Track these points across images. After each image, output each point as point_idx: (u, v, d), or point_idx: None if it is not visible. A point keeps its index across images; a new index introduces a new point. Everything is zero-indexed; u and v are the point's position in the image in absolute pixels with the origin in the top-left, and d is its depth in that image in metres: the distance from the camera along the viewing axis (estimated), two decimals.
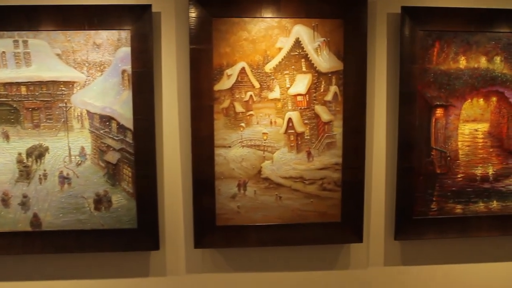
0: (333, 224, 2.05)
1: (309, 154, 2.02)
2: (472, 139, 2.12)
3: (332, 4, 1.96)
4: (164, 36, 1.94)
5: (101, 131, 1.93)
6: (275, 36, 1.95)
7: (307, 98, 1.99)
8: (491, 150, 2.14)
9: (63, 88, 1.90)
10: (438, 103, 2.07)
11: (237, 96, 1.96)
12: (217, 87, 1.95)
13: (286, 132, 1.99)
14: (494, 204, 2.16)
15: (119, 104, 1.92)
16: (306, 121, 2.00)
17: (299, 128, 2.00)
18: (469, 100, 2.09)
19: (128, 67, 1.90)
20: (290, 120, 1.99)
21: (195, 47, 1.90)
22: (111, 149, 1.94)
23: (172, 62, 1.96)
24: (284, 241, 2.03)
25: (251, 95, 1.96)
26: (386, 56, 2.05)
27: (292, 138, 2.00)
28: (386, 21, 2.04)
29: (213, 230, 2.00)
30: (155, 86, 1.94)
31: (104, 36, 1.89)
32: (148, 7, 1.87)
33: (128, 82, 1.91)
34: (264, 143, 1.99)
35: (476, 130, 2.12)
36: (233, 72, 1.94)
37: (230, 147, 1.98)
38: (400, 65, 2.01)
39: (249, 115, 1.97)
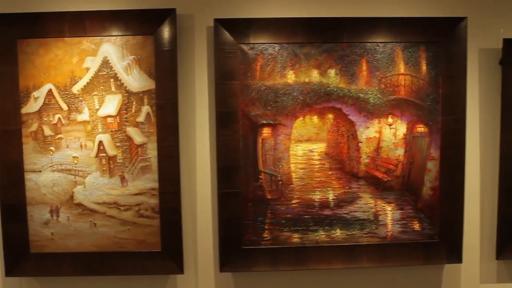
0: (153, 254, 1.91)
1: (122, 178, 1.90)
2: (307, 161, 1.92)
3: (140, 20, 1.85)
4: None
5: None
6: (82, 56, 1.87)
7: (118, 119, 1.89)
8: (330, 173, 1.93)
9: None
10: (264, 122, 1.89)
11: (45, 119, 1.89)
12: (24, 110, 1.89)
13: (97, 155, 1.90)
14: (337, 233, 1.93)
15: None
16: (118, 144, 1.89)
17: (111, 151, 1.89)
18: (301, 118, 1.90)
19: None
20: (101, 143, 1.89)
21: None
22: None
23: None
24: (100, 271, 1.92)
25: (59, 118, 1.89)
26: (207, 73, 1.91)
27: (104, 161, 1.90)
28: (206, 35, 1.90)
29: (26, 257, 1.92)
30: None
31: None
32: None
33: None
34: (75, 167, 1.90)
35: (311, 151, 1.92)
36: (40, 95, 1.88)
37: (40, 171, 1.91)
38: (215, 83, 1.86)
39: (58, 138, 1.89)
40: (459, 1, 1.94)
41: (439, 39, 1.89)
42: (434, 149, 1.92)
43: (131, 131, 1.89)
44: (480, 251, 2.01)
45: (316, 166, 1.92)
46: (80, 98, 1.88)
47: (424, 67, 1.90)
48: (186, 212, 1.93)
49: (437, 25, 1.88)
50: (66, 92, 1.88)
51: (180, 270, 1.90)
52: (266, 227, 1.92)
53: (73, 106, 1.88)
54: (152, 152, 1.89)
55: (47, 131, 1.90)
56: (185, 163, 1.91)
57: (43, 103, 1.88)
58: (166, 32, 1.84)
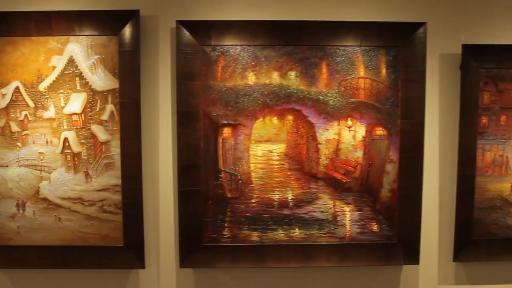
0: (116, 248, 1.96)
1: (87, 174, 1.95)
2: (267, 161, 1.96)
3: (105, 21, 1.89)
4: None
5: None
6: (48, 55, 1.91)
7: (82, 117, 1.93)
8: (289, 173, 1.96)
9: None
10: (225, 122, 1.93)
11: (12, 115, 1.94)
12: None
13: (62, 152, 1.95)
14: (296, 232, 1.97)
15: None
16: (82, 141, 1.94)
17: (76, 148, 1.94)
18: (261, 119, 1.94)
19: None
20: (66, 139, 1.94)
21: None
22: None
23: None
24: (64, 264, 1.97)
25: (26, 115, 1.94)
26: (171, 74, 1.95)
27: (69, 158, 1.95)
28: (170, 36, 1.94)
29: None
30: None
31: None
32: None
33: None
34: (41, 163, 1.95)
35: (271, 151, 1.95)
36: (7, 92, 1.93)
37: (7, 166, 1.96)
38: (177, 83, 1.90)
39: (25, 134, 1.95)
40: (421, 7, 1.96)
41: (399, 44, 1.92)
42: (393, 151, 1.95)
43: (96, 128, 1.94)
44: (438, 253, 2.03)
45: (276, 166, 1.96)
46: (46, 96, 1.93)
47: (384, 71, 1.93)
48: (148, 209, 1.97)
49: (397, 30, 1.91)
50: (33, 90, 1.93)
51: (142, 265, 1.95)
52: (226, 225, 1.97)
53: (39, 103, 1.93)
54: (115, 149, 1.94)
55: (14, 127, 1.95)
56: (147, 160, 1.96)
57: (10, 100, 1.94)
58: (129, 33, 1.88)
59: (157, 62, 1.95)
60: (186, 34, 1.89)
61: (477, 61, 1.94)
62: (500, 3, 1.98)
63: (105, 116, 1.93)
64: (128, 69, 1.90)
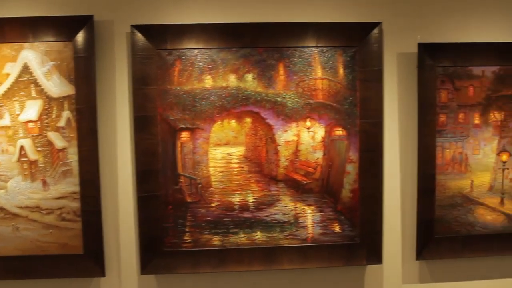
0: (75, 257, 1.93)
1: (44, 182, 1.93)
2: (226, 164, 1.95)
3: (59, 27, 1.88)
4: None
5: None
6: (1, 62, 1.89)
7: (39, 124, 1.91)
8: (249, 176, 1.95)
9: None
10: (183, 126, 1.92)
11: None
12: None
13: (19, 160, 1.92)
14: (258, 235, 1.96)
15: None
16: (39, 149, 1.92)
17: (32, 155, 1.92)
18: (219, 122, 1.93)
19: None
20: (22, 147, 1.91)
21: None
22: None
23: None
24: (25, 274, 1.93)
25: None
26: (127, 79, 1.94)
27: (25, 166, 1.92)
28: (126, 41, 1.93)
29: None
30: None
31: None
32: None
33: None
34: None
35: (230, 155, 1.94)
36: None
37: None
38: (133, 88, 1.89)
39: None
40: (378, 7, 1.97)
41: (355, 44, 1.92)
42: (353, 152, 1.95)
43: (52, 136, 1.92)
44: (401, 252, 2.03)
45: (235, 170, 1.95)
46: (1, 104, 1.90)
47: (341, 71, 1.93)
48: (108, 215, 1.95)
49: (353, 30, 1.91)
50: None
51: (102, 273, 1.93)
52: (186, 229, 1.95)
53: None
54: (73, 156, 1.92)
55: None
56: (106, 166, 1.94)
57: None
58: (83, 38, 1.87)
59: (113, 67, 1.94)
60: (141, 38, 1.88)
61: (433, 60, 1.95)
62: (455, 2, 2.00)
63: (61, 123, 1.91)
64: (84, 75, 1.88)
